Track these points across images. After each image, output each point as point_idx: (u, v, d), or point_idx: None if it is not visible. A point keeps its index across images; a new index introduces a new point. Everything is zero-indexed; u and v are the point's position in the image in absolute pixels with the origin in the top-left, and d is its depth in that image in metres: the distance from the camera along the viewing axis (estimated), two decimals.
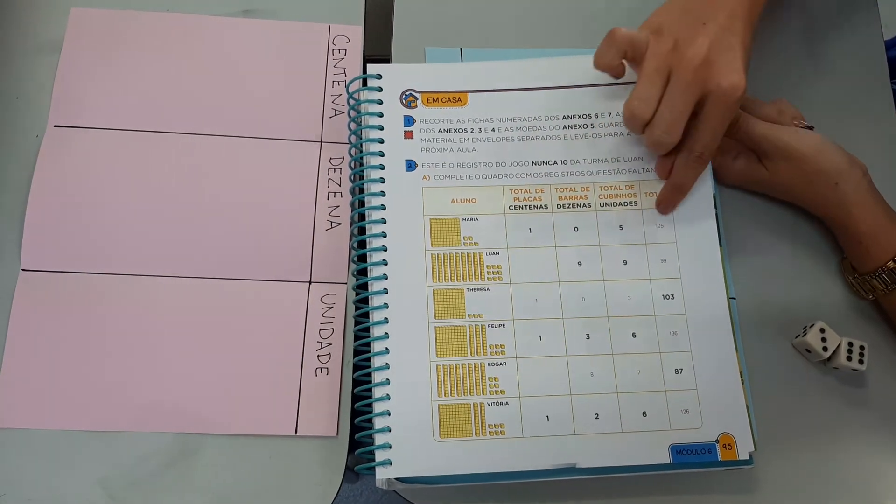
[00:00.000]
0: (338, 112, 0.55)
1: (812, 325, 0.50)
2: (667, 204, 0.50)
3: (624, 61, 0.50)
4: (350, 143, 0.53)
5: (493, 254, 0.49)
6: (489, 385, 0.47)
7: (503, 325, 0.48)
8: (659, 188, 0.51)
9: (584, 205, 0.51)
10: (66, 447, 0.47)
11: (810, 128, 0.52)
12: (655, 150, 0.49)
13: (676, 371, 0.48)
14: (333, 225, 0.52)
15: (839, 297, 0.53)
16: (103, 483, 0.46)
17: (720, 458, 0.46)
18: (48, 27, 0.55)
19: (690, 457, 0.46)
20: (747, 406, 0.47)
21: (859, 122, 0.58)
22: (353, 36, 0.57)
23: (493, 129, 0.52)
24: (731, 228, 0.54)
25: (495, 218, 0.50)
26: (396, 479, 0.45)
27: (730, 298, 0.49)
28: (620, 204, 0.51)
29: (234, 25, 0.56)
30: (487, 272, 0.49)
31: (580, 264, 0.49)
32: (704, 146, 0.47)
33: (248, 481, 0.47)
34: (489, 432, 0.46)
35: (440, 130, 0.52)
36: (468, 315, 0.48)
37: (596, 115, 0.53)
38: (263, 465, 0.47)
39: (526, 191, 0.51)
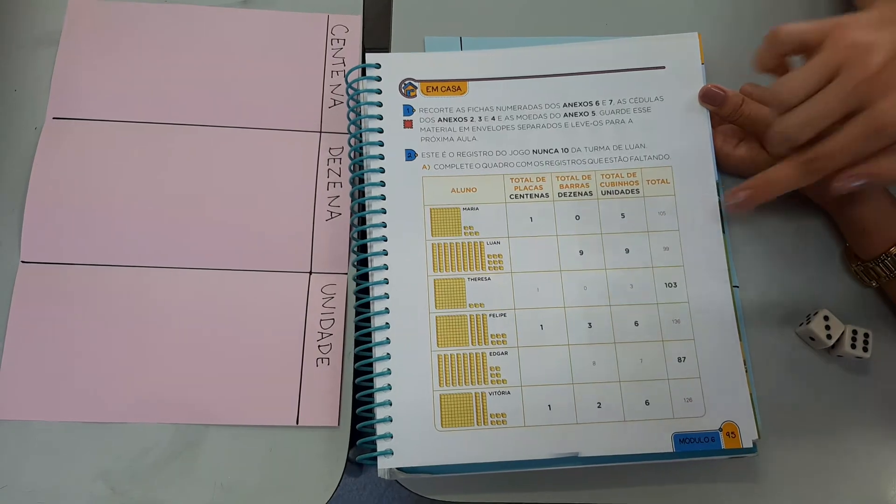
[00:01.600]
0: (337, 102, 0.54)
1: (816, 313, 0.50)
2: (748, 198, 0.47)
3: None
4: (349, 133, 0.52)
5: (494, 243, 0.49)
6: (490, 374, 0.46)
7: (504, 315, 0.48)
8: (661, 175, 0.51)
9: (586, 193, 0.51)
10: (66, 439, 0.47)
11: None
12: (777, 142, 0.44)
13: (679, 359, 0.47)
14: (333, 215, 0.52)
15: (843, 284, 0.53)
16: (104, 475, 0.46)
17: (723, 447, 0.46)
18: (46, 18, 0.55)
19: (693, 445, 0.46)
20: (751, 394, 0.47)
21: None
22: (352, 26, 0.56)
23: (493, 118, 0.52)
24: (734, 216, 0.53)
25: (496, 207, 0.50)
26: (398, 469, 0.44)
27: (733, 286, 0.49)
28: (622, 192, 0.51)
29: (233, 16, 0.56)
30: (488, 261, 0.49)
31: (582, 253, 0.49)
32: (827, 157, 0.43)
33: (249, 472, 0.47)
34: (491, 422, 0.46)
35: (440, 119, 0.52)
36: (469, 305, 0.48)
37: (597, 103, 0.52)
38: (264, 455, 0.47)
39: (526, 179, 0.51)
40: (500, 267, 0.49)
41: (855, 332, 0.50)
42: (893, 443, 0.49)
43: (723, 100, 0.51)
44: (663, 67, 0.53)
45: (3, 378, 0.48)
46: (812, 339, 0.50)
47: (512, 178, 0.50)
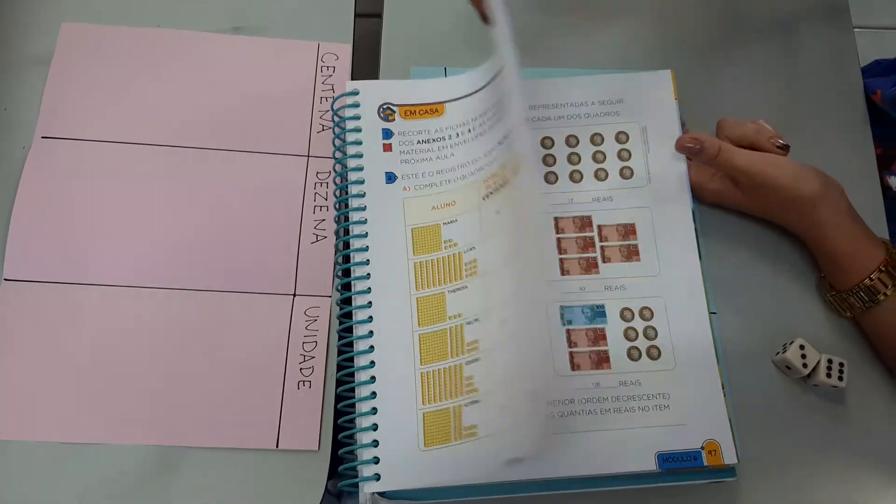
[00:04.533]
0: (325, 127, 0.55)
1: (792, 342, 0.51)
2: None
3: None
4: (334, 158, 0.53)
5: (470, 249, 0.49)
6: (465, 385, 0.46)
7: (477, 319, 0.47)
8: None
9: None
10: (44, 459, 0.46)
11: (786, 146, 0.53)
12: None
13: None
14: (319, 238, 0.52)
15: (819, 314, 0.54)
16: (81, 496, 0.46)
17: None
18: (39, 41, 0.56)
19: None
20: (729, 417, 0.47)
21: (835, 142, 0.59)
22: (342, 54, 0.57)
23: (469, 130, 0.53)
24: (711, 246, 0.54)
25: (471, 213, 0.50)
26: (379, 494, 0.44)
27: (710, 313, 0.50)
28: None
29: (225, 42, 0.57)
30: (465, 269, 0.49)
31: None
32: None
33: (228, 495, 0.46)
34: (464, 435, 0.45)
35: (419, 142, 0.52)
36: (448, 317, 0.48)
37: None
38: (243, 478, 0.47)
39: (497, 175, 0.50)
40: (475, 272, 0.49)
41: (830, 361, 0.50)
42: (868, 471, 0.50)
43: (699, 151, 0.51)
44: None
45: None
46: (788, 367, 0.51)
47: (484, 180, 0.51)
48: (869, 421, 0.51)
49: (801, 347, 0.50)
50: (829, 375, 0.50)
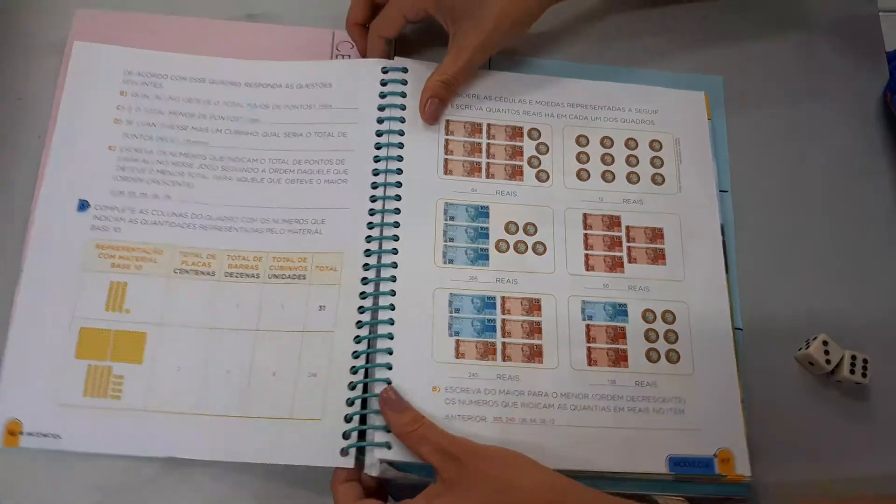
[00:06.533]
0: None
1: (815, 338, 0.50)
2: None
3: None
4: None
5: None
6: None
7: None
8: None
9: None
10: (62, 451, 0.47)
11: None
12: None
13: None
14: None
15: (842, 310, 0.53)
16: (100, 488, 0.46)
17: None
18: (53, 28, 0.55)
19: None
20: (746, 429, 0.47)
21: (850, 140, 0.58)
22: None
23: None
24: (737, 234, 0.54)
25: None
26: (388, 463, 0.44)
27: (735, 328, 0.50)
28: None
29: (238, 29, 0.56)
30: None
31: None
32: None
33: (245, 485, 0.46)
34: None
35: None
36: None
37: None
38: (262, 468, 0.47)
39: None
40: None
41: (854, 357, 0.50)
42: (891, 468, 0.49)
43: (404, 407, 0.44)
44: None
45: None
46: (811, 363, 0.50)
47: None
48: (893, 417, 0.51)
49: (825, 343, 0.50)
50: (852, 372, 0.49)
